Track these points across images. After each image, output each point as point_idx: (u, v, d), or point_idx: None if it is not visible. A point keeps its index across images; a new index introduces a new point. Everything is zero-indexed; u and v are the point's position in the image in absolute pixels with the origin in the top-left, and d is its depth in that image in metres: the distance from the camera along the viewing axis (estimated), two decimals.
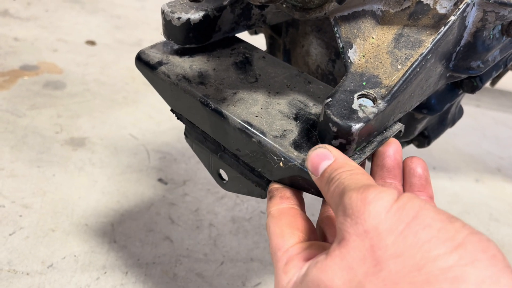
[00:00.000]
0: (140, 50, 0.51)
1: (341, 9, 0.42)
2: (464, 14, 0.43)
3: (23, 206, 0.84)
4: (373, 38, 0.45)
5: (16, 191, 0.87)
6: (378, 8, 0.45)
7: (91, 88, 1.20)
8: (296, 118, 0.44)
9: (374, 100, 0.40)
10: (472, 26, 0.46)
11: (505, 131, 1.38)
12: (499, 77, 0.80)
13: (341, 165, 0.35)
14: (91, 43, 1.40)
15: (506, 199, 1.09)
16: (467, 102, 1.45)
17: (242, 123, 0.43)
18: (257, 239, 0.87)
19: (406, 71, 0.41)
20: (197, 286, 0.77)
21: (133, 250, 0.80)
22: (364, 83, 0.41)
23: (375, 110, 0.39)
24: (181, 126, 0.69)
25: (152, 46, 0.52)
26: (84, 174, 0.94)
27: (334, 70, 0.60)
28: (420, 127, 0.66)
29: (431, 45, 0.42)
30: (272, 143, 0.41)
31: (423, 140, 0.70)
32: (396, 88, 0.40)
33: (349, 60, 0.43)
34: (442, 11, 0.43)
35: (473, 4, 0.44)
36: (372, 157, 0.43)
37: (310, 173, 0.37)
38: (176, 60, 0.50)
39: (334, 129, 0.38)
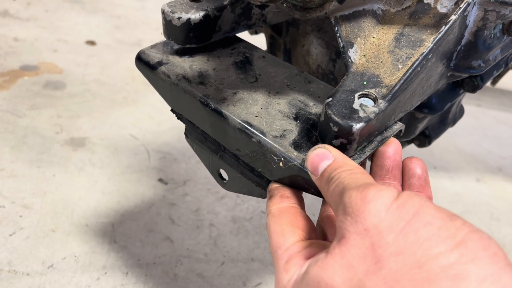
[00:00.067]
0: (140, 50, 0.51)
1: (342, 8, 0.42)
2: (465, 13, 0.43)
3: (23, 207, 0.84)
4: (373, 37, 0.44)
5: (16, 191, 0.87)
6: (379, 8, 0.45)
7: (91, 88, 1.20)
8: (296, 118, 0.44)
9: (375, 100, 0.40)
10: (473, 25, 0.45)
11: (506, 131, 1.37)
12: (500, 76, 0.80)
13: (341, 165, 0.35)
14: (91, 43, 1.40)
15: (507, 198, 1.09)
16: (468, 101, 1.45)
17: (242, 123, 0.42)
18: (257, 239, 0.87)
19: (407, 70, 0.41)
20: (198, 287, 0.76)
21: (133, 251, 0.80)
22: (365, 83, 0.41)
23: (376, 109, 0.39)
24: (181, 126, 0.69)
25: (152, 46, 0.52)
26: (84, 174, 0.94)
27: (334, 69, 0.60)
28: (421, 126, 0.66)
29: (432, 45, 0.42)
30: (272, 143, 0.41)
31: (424, 139, 0.70)
32: (397, 87, 0.40)
33: (349, 60, 0.43)
34: (443, 10, 0.43)
35: (474, 3, 0.43)
36: (372, 157, 0.43)
37: (309, 173, 0.37)
38: (176, 60, 0.50)
39: (335, 128, 0.38)
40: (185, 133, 0.54)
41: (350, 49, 0.43)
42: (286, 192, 0.42)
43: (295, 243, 0.35)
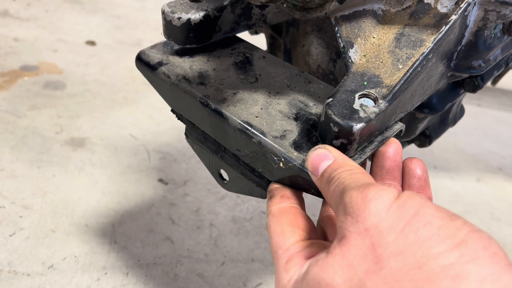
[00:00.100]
0: (140, 51, 0.51)
1: (342, 8, 0.42)
2: (465, 13, 0.43)
3: (23, 207, 0.84)
4: (374, 37, 0.44)
5: (16, 191, 0.87)
6: (379, 8, 0.45)
7: (91, 88, 1.20)
8: (296, 118, 0.43)
9: (375, 100, 0.39)
10: (473, 25, 0.45)
11: (507, 130, 1.37)
12: (500, 76, 0.80)
13: (341, 165, 0.35)
14: (91, 43, 1.40)
15: (508, 198, 1.09)
16: (468, 101, 1.45)
17: (242, 123, 0.42)
18: (258, 239, 0.87)
19: (407, 70, 0.41)
20: (198, 287, 0.76)
21: (133, 251, 0.80)
22: (365, 83, 0.41)
23: (376, 110, 0.39)
24: (181, 126, 0.69)
25: (152, 47, 0.52)
26: (84, 174, 0.94)
27: (334, 69, 0.60)
28: (421, 126, 0.66)
29: (432, 45, 0.42)
30: (272, 143, 0.41)
31: (424, 139, 0.70)
32: (397, 87, 0.40)
33: (350, 60, 0.43)
34: (443, 10, 0.43)
35: (474, 3, 0.43)
36: (372, 157, 0.43)
37: (310, 173, 0.37)
38: (176, 60, 0.50)
39: (335, 129, 0.38)
40: (185, 134, 0.54)
41: (350, 49, 0.43)
42: (287, 192, 0.42)
43: (295, 243, 0.35)
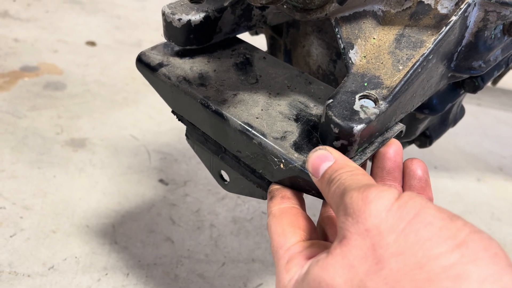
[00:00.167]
0: (141, 52, 0.51)
1: (342, 9, 0.42)
2: (465, 14, 0.43)
3: (24, 208, 0.84)
4: (374, 38, 0.44)
5: (17, 192, 0.87)
6: (379, 9, 0.45)
7: (91, 89, 1.20)
8: (296, 119, 0.44)
9: (375, 101, 0.40)
10: (474, 26, 0.45)
11: (507, 130, 1.37)
12: (500, 76, 0.80)
13: (342, 166, 0.35)
14: (91, 43, 1.40)
15: (508, 198, 1.09)
16: (468, 101, 1.45)
17: (242, 124, 0.42)
18: (258, 240, 0.87)
19: (408, 71, 0.41)
20: (199, 287, 0.76)
21: (134, 251, 0.80)
22: (365, 84, 0.41)
23: (376, 111, 0.39)
24: (181, 126, 0.69)
25: (153, 48, 0.52)
26: (84, 175, 0.94)
27: (335, 70, 0.60)
28: (421, 127, 0.66)
29: (432, 46, 0.42)
30: (273, 144, 0.41)
31: (425, 140, 0.70)
32: (397, 88, 0.40)
33: (350, 61, 0.43)
34: (443, 11, 0.43)
35: (475, 4, 0.43)
36: (372, 158, 0.43)
37: (310, 174, 0.37)
38: (176, 61, 0.50)
39: (336, 130, 0.38)
40: (186, 135, 0.54)
41: (350, 50, 0.43)
42: (287, 193, 0.42)
43: (296, 243, 0.36)
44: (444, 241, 0.27)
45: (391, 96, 0.40)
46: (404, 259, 0.27)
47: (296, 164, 0.39)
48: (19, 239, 0.79)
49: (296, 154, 0.40)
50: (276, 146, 0.40)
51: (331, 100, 0.39)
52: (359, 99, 0.40)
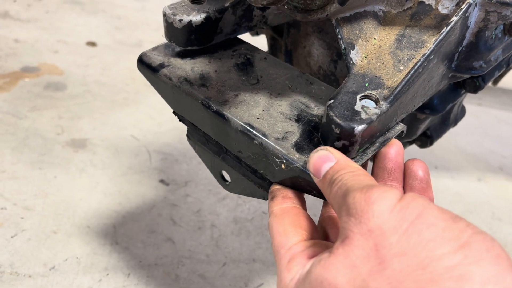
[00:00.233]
0: (142, 53, 0.51)
1: (343, 10, 0.42)
2: (466, 14, 0.43)
3: (25, 208, 0.84)
4: (375, 39, 0.44)
5: (18, 193, 0.87)
6: (380, 9, 0.45)
7: (91, 89, 1.20)
8: (297, 120, 0.44)
9: (376, 101, 0.40)
10: (474, 26, 0.45)
11: (508, 130, 1.37)
12: (501, 76, 0.80)
13: (343, 167, 0.35)
14: (92, 44, 1.40)
15: (509, 198, 1.09)
16: (469, 100, 1.45)
17: (243, 125, 0.42)
18: (259, 240, 0.87)
19: (409, 72, 0.41)
20: (199, 287, 0.77)
21: (135, 252, 0.80)
22: (366, 84, 0.41)
23: (377, 111, 0.39)
24: (182, 126, 0.69)
25: (154, 48, 0.52)
26: (85, 175, 0.94)
27: (336, 70, 0.60)
28: (422, 127, 0.66)
29: (433, 46, 0.42)
30: (274, 145, 0.41)
31: (426, 140, 0.70)
32: (398, 89, 0.40)
33: (351, 61, 0.43)
34: (444, 11, 0.43)
35: (475, 4, 0.43)
36: (373, 159, 0.43)
37: (312, 175, 0.37)
38: (177, 62, 0.50)
39: (337, 130, 0.38)
40: (187, 135, 0.54)
41: (351, 50, 0.43)
42: (288, 193, 0.42)
43: (297, 242, 0.36)
44: (447, 242, 0.27)
45: (392, 97, 0.40)
46: (407, 260, 0.27)
47: (297, 165, 0.39)
48: (20, 239, 0.79)
49: (297, 155, 0.40)
50: (277, 147, 0.40)
51: (332, 101, 0.39)
52: (360, 100, 0.40)
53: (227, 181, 0.52)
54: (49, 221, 0.83)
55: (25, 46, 1.32)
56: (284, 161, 0.40)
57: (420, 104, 0.48)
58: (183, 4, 0.50)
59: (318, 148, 0.37)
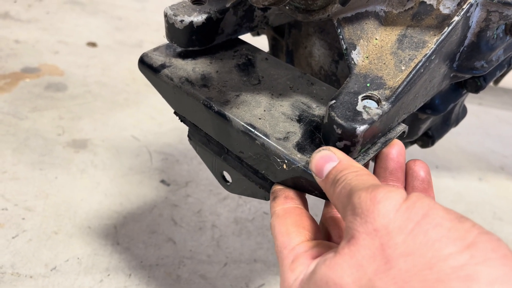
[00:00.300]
0: (143, 53, 0.51)
1: (344, 10, 0.42)
2: (467, 14, 0.43)
3: (26, 209, 0.84)
4: (376, 39, 0.44)
5: (19, 194, 0.87)
6: (381, 9, 0.45)
7: (92, 90, 1.20)
8: (299, 120, 0.44)
9: (378, 102, 0.39)
10: (476, 26, 0.45)
11: (509, 129, 1.37)
12: (502, 76, 0.80)
13: (346, 167, 0.35)
14: (92, 44, 1.40)
15: (510, 197, 1.09)
16: (470, 100, 1.45)
17: (245, 125, 0.42)
18: (260, 240, 0.87)
19: (410, 72, 0.41)
20: None
21: (136, 252, 0.80)
22: (368, 85, 0.41)
23: (379, 111, 0.39)
24: (182, 127, 0.69)
25: (155, 49, 0.52)
26: (86, 176, 0.94)
27: (337, 71, 0.60)
28: (424, 127, 0.66)
29: (434, 46, 0.42)
30: (276, 145, 0.41)
31: (427, 140, 0.70)
32: (400, 89, 0.40)
33: (352, 62, 0.43)
34: (445, 11, 0.43)
35: (477, 4, 0.43)
36: (375, 159, 0.43)
37: (314, 175, 0.37)
38: (179, 62, 0.50)
39: (339, 131, 0.38)
40: (188, 136, 0.54)
41: (353, 51, 0.43)
42: (290, 193, 0.42)
43: (300, 243, 0.36)
44: (453, 242, 0.27)
45: (393, 97, 0.40)
46: (413, 260, 0.27)
47: (299, 165, 0.39)
48: (21, 240, 0.79)
49: (299, 155, 0.40)
50: (279, 147, 0.40)
51: (334, 101, 0.39)
52: (362, 100, 0.40)
53: (228, 181, 0.52)
54: (50, 221, 0.83)
55: (25, 46, 1.32)
56: (286, 161, 0.40)
57: (422, 104, 0.48)
58: (184, 4, 0.50)
59: (320, 148, 0.37)
